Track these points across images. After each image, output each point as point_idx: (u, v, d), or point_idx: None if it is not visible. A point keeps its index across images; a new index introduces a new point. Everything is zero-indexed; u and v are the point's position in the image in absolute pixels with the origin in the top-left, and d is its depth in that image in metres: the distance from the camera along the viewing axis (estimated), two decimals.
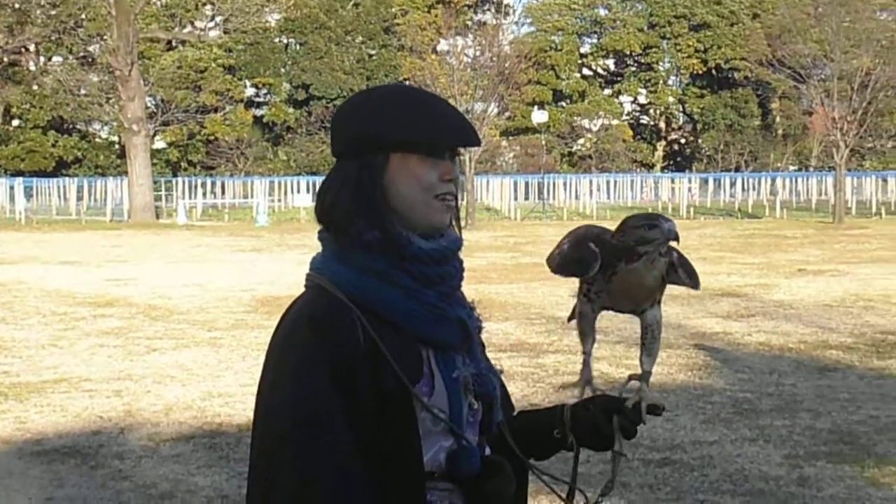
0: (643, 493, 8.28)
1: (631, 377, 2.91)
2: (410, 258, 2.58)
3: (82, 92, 57.40)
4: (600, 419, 2.78)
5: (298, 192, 57.11)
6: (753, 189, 59.66)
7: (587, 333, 2.87)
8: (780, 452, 9.37)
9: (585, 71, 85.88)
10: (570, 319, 3.01)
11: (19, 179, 55.83)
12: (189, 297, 20.44)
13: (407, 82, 57.58)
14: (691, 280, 2.81)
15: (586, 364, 2.86)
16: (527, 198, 59.28)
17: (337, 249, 2.63)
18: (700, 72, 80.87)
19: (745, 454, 9.33)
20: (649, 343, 2.86)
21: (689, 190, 58.96)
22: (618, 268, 2.71)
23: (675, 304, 18.44)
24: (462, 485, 2.63)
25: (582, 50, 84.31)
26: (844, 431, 10.07)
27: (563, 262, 2.83)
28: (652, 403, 2.80)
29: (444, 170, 2.62)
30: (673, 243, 2.72)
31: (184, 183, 58.39)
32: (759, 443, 9.69)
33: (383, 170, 2.59)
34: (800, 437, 9.88)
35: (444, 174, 2.62)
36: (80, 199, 54.59)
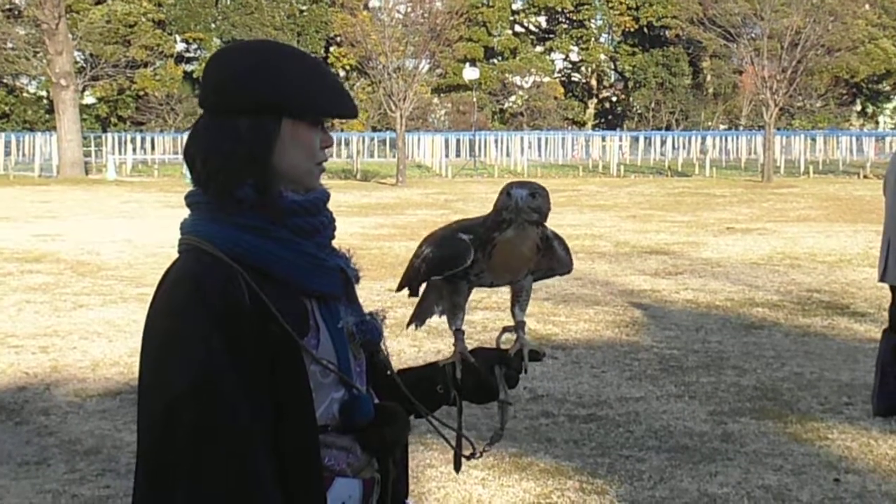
0: (568, 448, 8.35)
1: (505, 329, 2.96)
2: (285, 212, 2.59)
3: (8, 45, 56.47)
4: (483, 371, 2.82)
5: None
6: (684, 147, 59.88)
7: (458, 309, 2.89)
8: (705, 409, 9.46)
9: (517, 27, 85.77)
10: (409, 324, 3.06)
11: None
12: (118, 253, 20.30)
13: (338, 38, 57.29)
14: (566, 254, 2.90)
15: (459, 339, 2.86)
16: (458, 155, 59.24)
17: (210, 210, 2.62)
18: (632, 29, 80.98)
19: (670, 410, 9.42)
20: (523, 300, 2.95)
21: (620, 148, 59.10)
22: (496, 239, 2.75)
23: (603, 262, 18.57)
24: (358, 434, 2.65)
25: (514, 6, 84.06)
26: (768, 388, 10.19)
27: (434, 263, 2.83)
28: (532, 350, 2.86)
29: (325, 138, 2.68)
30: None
31: (113, 138, 57.92)
32: (684, 399, 9.79)
33: (276, 133, 2.59)
34: (725, 393, 9.99)
35: (324, 142, 2.68)
36: (7, 154, 53.95)
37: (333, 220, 2.73)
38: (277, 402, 2.51)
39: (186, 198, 2.68)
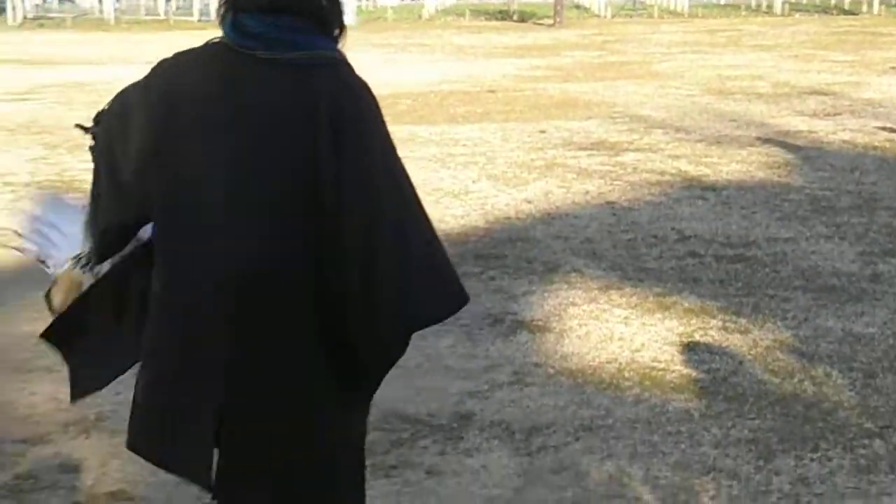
0: (713, 288, 8.34)
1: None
2: None
3: None
4: None
5: None
6: None
7: None
8: (855, 249, 9.36)
9: None
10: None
11: None
12: None
13: None
14: None
15: None
16: None
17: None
18: None
19: (819, 251, 9.33)
20: None
21: None
22: None
23: (760, 102, 18.27)
24: None
25: None
26: None
27: None
28: None
29: None
30: None
31: None
32: (834, 240, 9.67)
33: None
34: (876, 234, 9.85)
35: None
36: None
37: None
38: None
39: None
